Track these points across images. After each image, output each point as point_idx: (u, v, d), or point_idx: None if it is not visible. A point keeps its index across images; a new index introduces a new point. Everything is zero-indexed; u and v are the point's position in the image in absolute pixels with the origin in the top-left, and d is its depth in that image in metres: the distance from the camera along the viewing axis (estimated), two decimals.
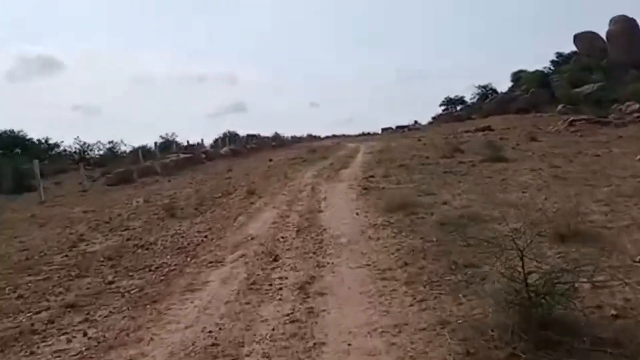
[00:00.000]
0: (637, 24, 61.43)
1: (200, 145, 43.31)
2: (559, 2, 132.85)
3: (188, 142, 43.85)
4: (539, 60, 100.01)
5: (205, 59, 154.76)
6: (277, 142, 49.65)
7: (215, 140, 52.13)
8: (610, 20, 63.01)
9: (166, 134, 48.59)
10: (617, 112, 41.15)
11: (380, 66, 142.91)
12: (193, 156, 32.77)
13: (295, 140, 63.90)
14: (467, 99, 67.32)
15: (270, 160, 26.59)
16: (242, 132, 59.47)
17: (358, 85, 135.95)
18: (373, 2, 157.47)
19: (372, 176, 15.27)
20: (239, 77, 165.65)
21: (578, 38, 66.25)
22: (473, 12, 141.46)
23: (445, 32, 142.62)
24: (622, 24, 61.61)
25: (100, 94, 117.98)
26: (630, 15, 62.02)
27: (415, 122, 63.11)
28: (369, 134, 58.68)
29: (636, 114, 26.43)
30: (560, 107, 47.44)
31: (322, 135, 70.41)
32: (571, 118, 24.67)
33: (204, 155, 34.16)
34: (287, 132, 71.64)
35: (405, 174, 14.95)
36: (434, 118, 66.51)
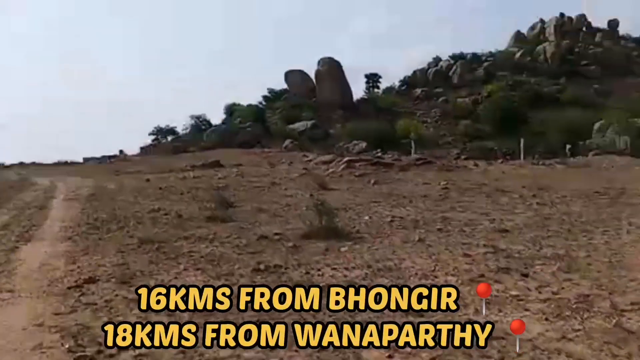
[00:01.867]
0: (341, 67, 61.61)
1: None
2: (269, 39, 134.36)
3: None
4: (251, 95, 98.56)
5: None
6: None
7: None
8: (319, 62, 62.25)
9: None
10: (342, 149, 38.22)
11: (88, 85, 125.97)
12: None
13: None
14: (179, 129, 59.87)
15: None
16: None
17: (59, 111, 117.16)
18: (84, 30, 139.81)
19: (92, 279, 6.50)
20: None
21: (289, 76, 64.21)
22: (180, 43, 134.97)
23: (151, 61, 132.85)
24: (328, 65, 61.22)
25: None
26: (337, 58, 62.16)
27: (121, 151, 53.47)
28: (67, 163, 46.95)
29: (414, 156, 22.40)
30: (287, 142, 43.26)
31: (7, 163, 55.47)
32: (346, 158, 19.32)
33: None
34: None
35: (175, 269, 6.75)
36: (142, 148, 57.45)
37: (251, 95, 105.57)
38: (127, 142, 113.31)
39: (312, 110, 57.10)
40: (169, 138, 59.10)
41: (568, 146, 30.21)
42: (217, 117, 61.24)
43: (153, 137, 59.57)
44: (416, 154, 32.56)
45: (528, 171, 18.55)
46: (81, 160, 44.18)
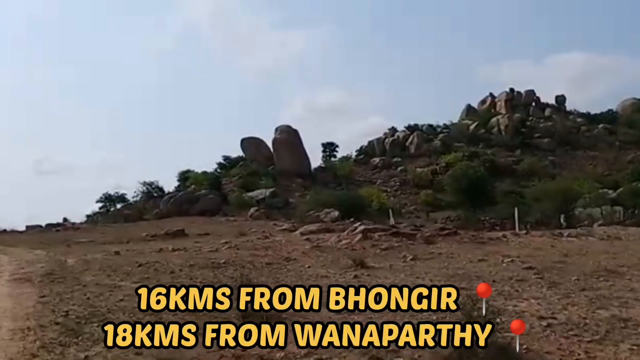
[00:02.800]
0: (298, 134, 59.41)
1: None
2: (230, 106, 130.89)
3: None
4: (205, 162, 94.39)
5: None
6: None
7: None
8: (276, 129, 59.90)
9: None
10: (313, 217, 35.03)
11: (17, 160, 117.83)
12: None
13: None
14: (129, 196, 55.22)
15: None
16: None
17: None
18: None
19: None
20: None
21: (245, 143, 61.42)
22: (131, 109, 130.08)
23: (94, 126, 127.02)
24: (286, 134, 58.91)
25: None
26: (294, 127, 60.00)
27: (65, 219, 48.36)
28: (5, 231, 41.53)
29: (437, 226, 19.29)
30: (252, 210, 39.76)
31: None
32: (360, 227, 16.08)
33: None
34: None
35: None
36: (89, 216, 52.39)
37: (204, 162, 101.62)
38: (64, 210, 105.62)
39: (271, 178, 54.24)
40: (118, 205, 54.34)
41: (562, 216, 28.29)
42: (169, 184, 57.27)
43: (101, 204, 54.56)
44: (395, 222, 29.77)
45: (568, 244, 15.84)
46: (23, 228, 38.92)
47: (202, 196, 44.51)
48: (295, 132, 59.52)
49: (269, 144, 59.79)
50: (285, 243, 15.74)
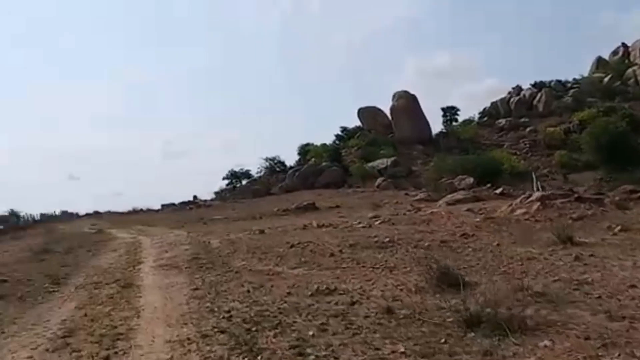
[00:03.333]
0: (417, 100, 56.23)
1: None
2: (340, 76, 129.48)
3: None
4: (320, 135, 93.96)
5: None
6: (6, 226, 31.74)
7: None
8: (393, 96, 57.08)
9: None
10: (446, 185, 32.30)
11: (144, 141, 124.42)
12: None
13: (46, 218, 45.34)
14: (254, 172, 55.25)
15: None
16: None
17: (124, 158, 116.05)
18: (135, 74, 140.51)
19: None
20: None
21: (362, 113, 59.31)
22: (246, 82, 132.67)
23: (215, 104, 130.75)
24: (404, 99, 55.93)
25: None
26: (412, 92, 56.90)
27: (195, 197, 49.18)
28: (142, 210, 42.71)
29: (622, 189, 16.37)
30: (379, 180, 37.82)
31: (82, 212, 52.07)
32: (536, 195, 13.57)
33: None
34: (40, 208, 52.66)
35: None
36: (217, 193, 53.06)
37: (322, 135, 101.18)
38: (192, 189, 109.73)
39: (391, 146, 51.74)
40: (244, 181, 54.57)
41: None
42: (290, 159, 56.63)
43: (227, 181, 55.07)
44: (539, 188, 26.40)
45: None
46: (158, 207, 39.74)
47: (326, 168, 43.11)
48: (414, 97, 56.38)
49: (387, 112, 57.27)
50: (445, 216, 13.52)
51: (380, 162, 48.01)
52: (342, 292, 6.57)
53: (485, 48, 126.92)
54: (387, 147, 51.67)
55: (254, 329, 5.28)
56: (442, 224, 12.04)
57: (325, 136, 69.43)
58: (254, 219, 23.30)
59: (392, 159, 48.30)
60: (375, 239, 10.02)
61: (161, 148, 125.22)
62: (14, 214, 40.84)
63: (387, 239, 9.82)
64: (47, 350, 5.09)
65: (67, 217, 47.74)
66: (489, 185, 29.02)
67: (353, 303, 6.02)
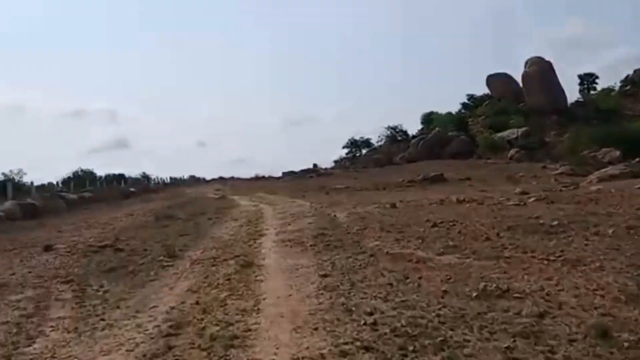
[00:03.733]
0: (552, 67, 51.26)
1: None
2: (467, 45, 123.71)
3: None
4: (444, 103, 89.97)
5: (82, 93, 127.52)
6: (138, 188, 32.93)
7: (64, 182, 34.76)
8: (526, 62, 52.47)
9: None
10: (588, 158, 28.76)
11: (267, 109, 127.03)
12: None
13: (175, 182, 47.15)
14: (374, 141, 53.76)
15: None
16: (104, 172, 42.00)
17: (246, 127, 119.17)
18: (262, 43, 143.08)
19: None
20: (120, 113, 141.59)
21: (491, 80, 55.35)
22: (361, 54, 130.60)
23: (331, 77, 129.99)
24: (538, 66, 51.17)
25: None
26: (547, 58, 51.96)
27: (315, 165, 48.77)
28: (264, 177, 42.92)
29: None
30: (513, 152, 34.87)
31: (208, 177, 53.83)
32: None
33: None
34: (170, 172, 55.22)
35: None
36: (337, 162, 52.33)
37: (446, 103, 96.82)
38: (311, 157, 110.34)
39: (522, 116, 47.70)
40: (364, 150, 53.33)
41: None
42: (412, 128, 54.35)
43: (347, 149, 54.11)
44: None
45: None
46: (279, 175, 39.62)
47: (454, 137, 40.46)
48: (549, 64, 51.51)
49: (518, 80, 52.95)
50: (617, 194, 11.14)
51: (511, 132, 44.51)
52: (518, 295, 4.87)
53: (617, 18, 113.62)
54: (518, 116, 47.80)
55: (410, 347, 3.77)
56: (615, 205, 9.77)
57: (450, 105, 65.98)
58: (377, 189, 21.85)
59: (524, 129, 44.56)
60: (540, 221, 8.10)
61: (282, 117, 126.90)
62: (145, 177, 42.67)
63: (556, 222, 7.88)
64: (144, 356, 3.94)
65: (194, 181, 49.40)
66: (638, 159, 25.32)
67: (541, 315, 4.32)
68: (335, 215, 11.20)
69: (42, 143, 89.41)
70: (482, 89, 57.36)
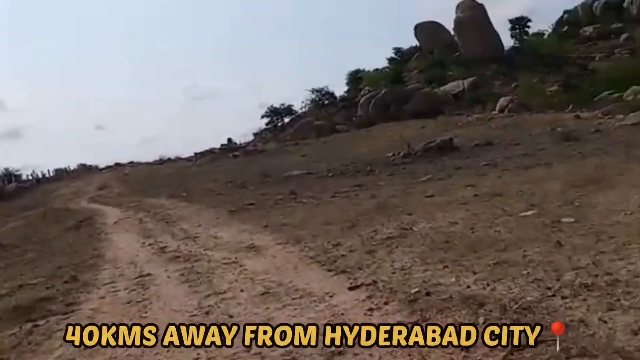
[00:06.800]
0: (486, 11, 43.46)
1: None
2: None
3: None
4: (369, 60, 79.57)
5: None
6: None
7: None
8: (457, 7, 44.32)
9: None
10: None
11: (167, 86, 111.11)
12: None
13: (59, 174, 35.28)
14: (297, 107, 43.88)
15: None
16: None
17: (147, 106, 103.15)
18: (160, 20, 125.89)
19: None
20: (8, 103, 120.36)
21: (420, 30, 46.78)
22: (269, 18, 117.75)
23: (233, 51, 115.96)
24: (471, 11, 43.22)
25: None
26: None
27: (230, 140, 38.58)
28: (170, 160, 32.02)
29: None
30: (502, 101, 26.46)
31: (106, 164, 41.38)
32: None
33: None
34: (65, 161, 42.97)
35: None
36: (256, 134, 42.22)
37: (372, 62, 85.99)
38: (220, 132, 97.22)
39: (462, 66, 39.81)
40: (286, 119, 43.33)
41: None
42: (340, 89, 45.04)
43: (267, 119, 43.70)
44: None
45: None
46: (190, 154, 28.90)
47: (414, 92, 31.11)
48: (481, 7, 43.50)
49: (448, 28, 44.94)
50: None
51: (455, 85, 36.69)
52: None
53: None
54: (457, 67, 39.91)
55: None
56: None
57: (376, 62, 56.88)
58: (357, 171, 12.32)
59: (470, 80, 36.84)
60: None
61: (183, 93, 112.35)
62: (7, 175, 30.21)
63: None
64: None
65: (84, 172, 37.38)
66: None
67: None
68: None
69: None
70: (409, 42, 48.85)
